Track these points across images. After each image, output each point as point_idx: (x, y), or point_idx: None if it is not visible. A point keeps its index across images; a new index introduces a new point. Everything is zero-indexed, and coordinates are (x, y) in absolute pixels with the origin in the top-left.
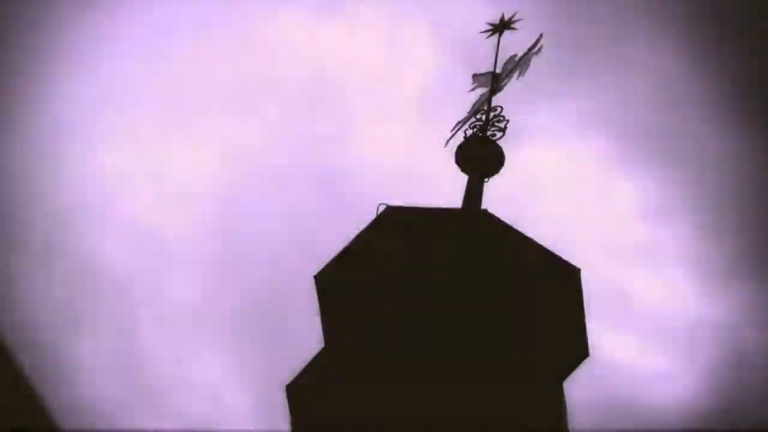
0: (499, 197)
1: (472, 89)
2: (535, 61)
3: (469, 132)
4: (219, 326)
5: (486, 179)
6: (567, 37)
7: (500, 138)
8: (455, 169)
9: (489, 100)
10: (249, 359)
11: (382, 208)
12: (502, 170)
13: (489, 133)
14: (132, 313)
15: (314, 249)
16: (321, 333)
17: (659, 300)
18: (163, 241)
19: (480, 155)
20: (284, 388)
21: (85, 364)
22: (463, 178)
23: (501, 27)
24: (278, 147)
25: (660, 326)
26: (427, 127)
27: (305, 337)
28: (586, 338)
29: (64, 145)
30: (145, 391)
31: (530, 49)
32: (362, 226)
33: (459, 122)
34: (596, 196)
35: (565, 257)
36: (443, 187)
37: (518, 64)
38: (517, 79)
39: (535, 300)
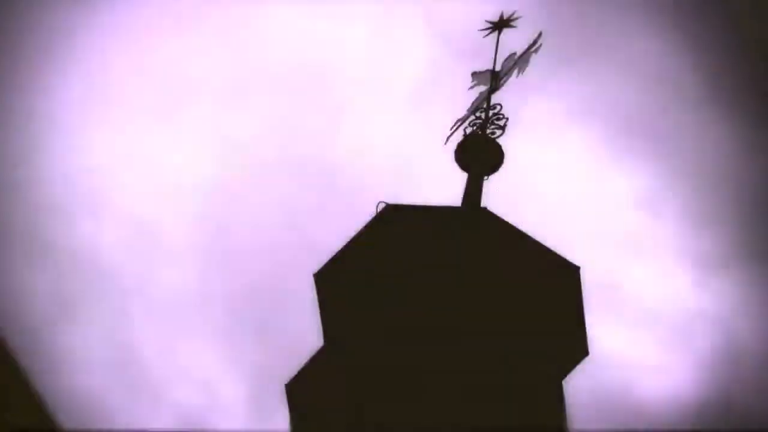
0: (495, 192)
1: (472, 87)
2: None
3: (469, 130)
4: (212, 318)
5: (486, 177)
6: (559, 28)
7: (500, 136)
8: (455, 166)
9: (488, 98)
10: (242, 351)
11: (381, 207)
12: (502, 167)
13: (489, 131)
14: (124, 304)
15: (307, 240)
16: (320, 331)
17: (653, 291)
18: (155, 232)
19: (480, 153)
20: (284, 387)
21: (77, 355)
22: (462, 176)
23: (500, 25)
24: (271, 138)
25: (654, 317)
26: (424, 121)
27: (299, 329)
28: (586, 337)
29: (55, 136)
30: (137, 382)
31: (530, 47)
32: (357, 219)
33: (458, 120)
34: (588, 187)
35: (558, 250)
36: (442, 185)
37: (518, 62)
38: (517, 77)
39: (535, 299)
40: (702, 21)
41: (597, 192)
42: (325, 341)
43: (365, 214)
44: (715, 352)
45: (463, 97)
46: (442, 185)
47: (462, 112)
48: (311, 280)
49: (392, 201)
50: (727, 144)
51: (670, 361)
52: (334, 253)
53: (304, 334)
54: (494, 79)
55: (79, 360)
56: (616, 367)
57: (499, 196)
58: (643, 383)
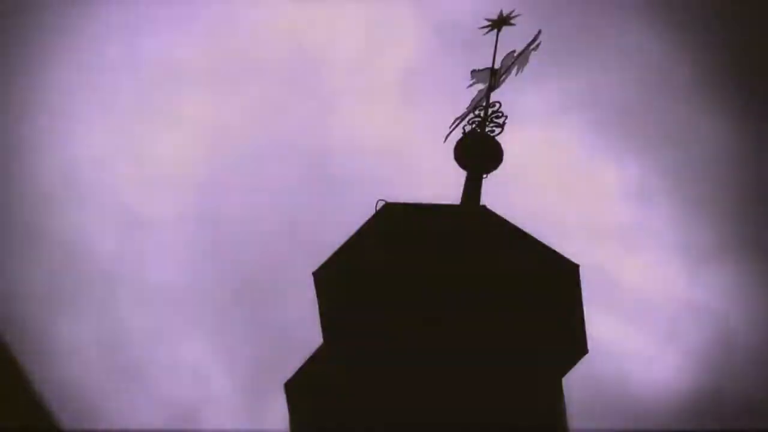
0: (494, 190)
1: (471, 85)
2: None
3: (468, 128)
4: (205, 311)
5: (484, 175)
6: (552, 21)
7: (499, 134)
8: (454, 164)
9: (488, 96)
10: (237, 346)
11: (381, 205)
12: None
13: (488, 129)
14: (114, 295)
15: (304, 234)
16: (319, 329)
17: (643, 282)
18: (146, 223)
19: (479, 152)
20: (283, 386)
21: (68, 346)
22: (461, 174)
23: (500, 23)
24: (268, 133)
25: (644, 309)
26: (423, 119)
27: (294, 324)
28: (585, 335)
29: (45, 126)
30: (129, 374)
31: (529, 45)
32: (356, 218)
33: (457, 118)
34: (579, 178)
35: (556, 246)
36: (441, 183)
37: (517, 60)
38: (516, 75)
39: (534, 297)
40: (694, 14)
41: (585, 182)
42: (324, 340)
43: (364, 212)
44: (708, 343)
45: (462, 95)
46: (441, 183)
47: (461, 110)
48: (307, 275)
49: (391, 199)
50: (719, 136)
51: (662, 352)
52: (333, 252)
53: (300, 330)
54: (493, 77)
55: (69, 352)
56: (609, 358)
57: (498, 194)
58: (636, 375)
